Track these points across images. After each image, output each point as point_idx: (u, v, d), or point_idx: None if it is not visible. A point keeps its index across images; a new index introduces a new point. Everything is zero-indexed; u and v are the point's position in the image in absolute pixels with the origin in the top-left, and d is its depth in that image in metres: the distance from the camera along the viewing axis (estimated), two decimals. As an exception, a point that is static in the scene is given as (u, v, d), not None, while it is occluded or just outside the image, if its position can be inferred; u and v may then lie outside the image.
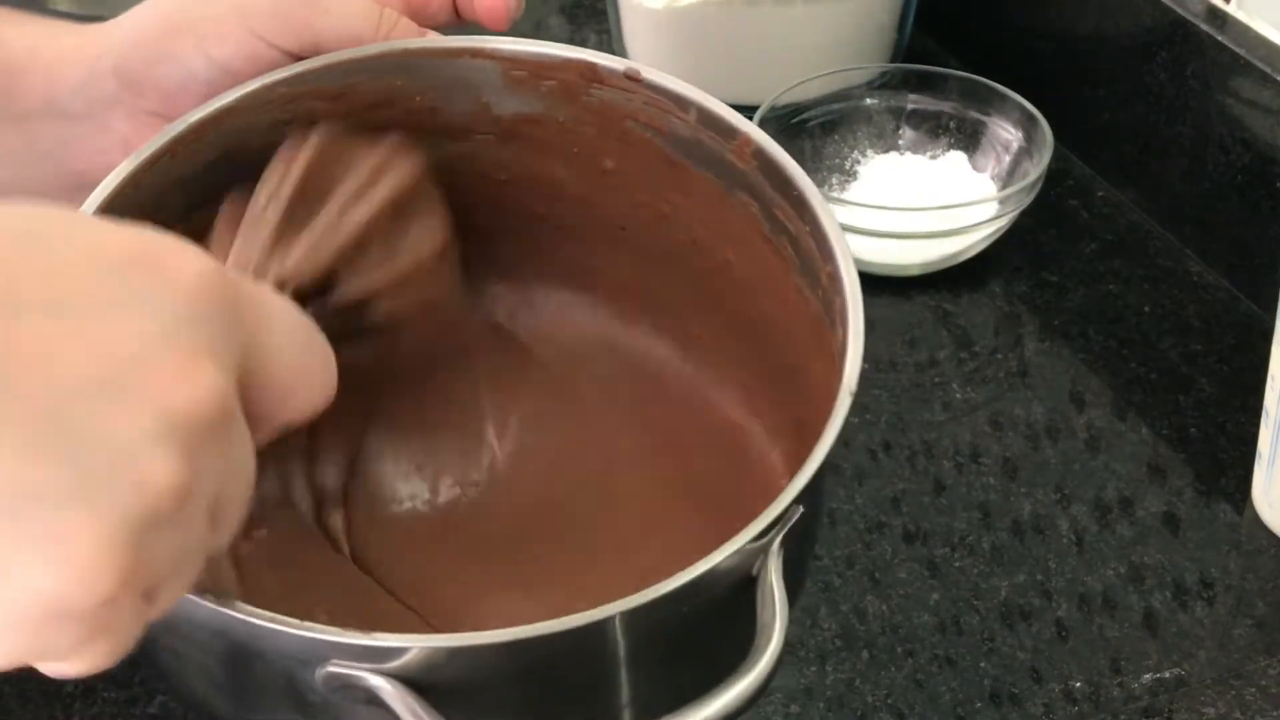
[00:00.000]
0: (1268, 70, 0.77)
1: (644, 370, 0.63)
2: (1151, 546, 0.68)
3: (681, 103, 0.56)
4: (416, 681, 0.43)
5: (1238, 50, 0.78)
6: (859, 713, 0.62)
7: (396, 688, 0.43)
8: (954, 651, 0.64)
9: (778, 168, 0.55)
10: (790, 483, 0.46)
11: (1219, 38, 0.79)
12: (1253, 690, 0.62)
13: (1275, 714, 0.61)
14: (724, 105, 0.55)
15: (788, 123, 0.86)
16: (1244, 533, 0.69)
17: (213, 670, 0.47)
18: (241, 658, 0.46)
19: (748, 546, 0.45)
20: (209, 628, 0.45)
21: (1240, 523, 0.69)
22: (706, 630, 0.47)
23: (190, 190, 0.54)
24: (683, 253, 0.60)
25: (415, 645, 0.43)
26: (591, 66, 0.56)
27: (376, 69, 0.56)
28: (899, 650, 0.64)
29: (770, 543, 0.46)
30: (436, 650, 0.43)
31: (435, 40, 0.58)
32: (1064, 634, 0.64)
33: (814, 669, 0.63)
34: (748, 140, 0.55)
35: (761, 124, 0.84)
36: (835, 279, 0.51)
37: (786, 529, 0.46)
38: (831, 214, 0.53)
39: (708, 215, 0.58)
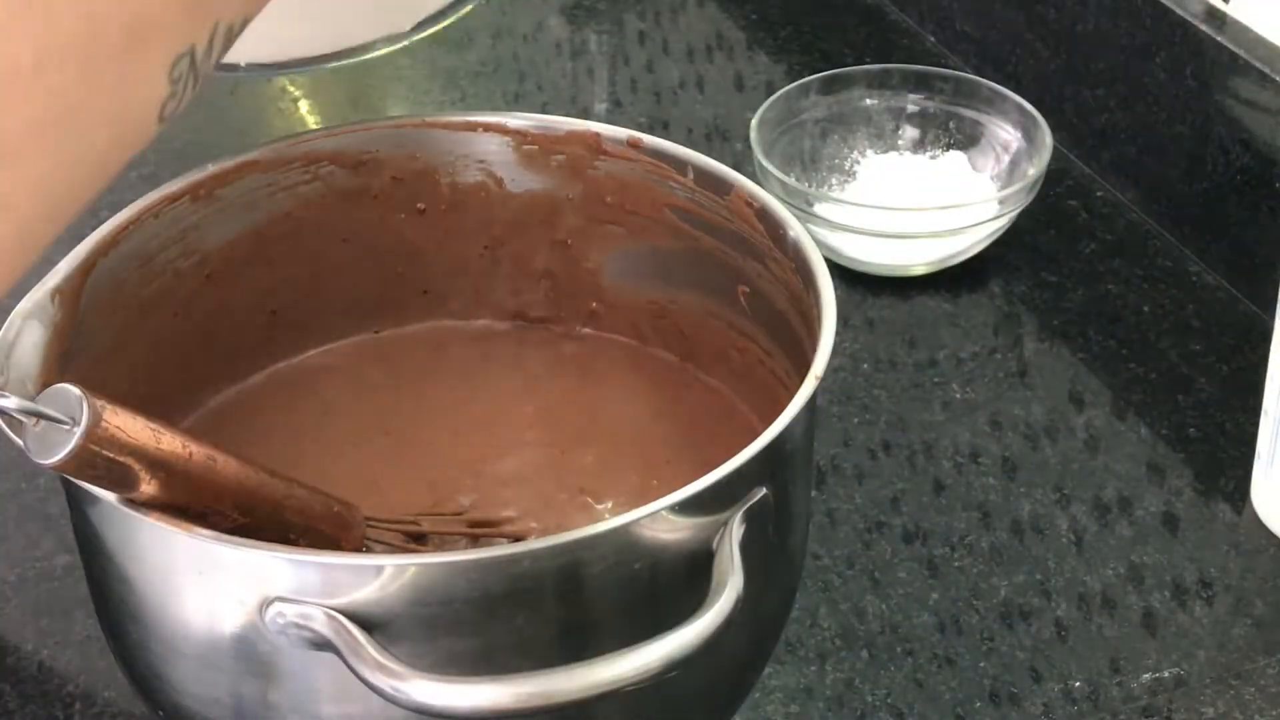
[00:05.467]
0: (1267, 70, 0.77)
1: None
2: (1151, 546, 0.68)
3: (680, 165, 0.60)
4: (365, 617, 0.44)
5: (1237, 50, 0.78)
6: (859, 712, 0.62)
7: (343, 622, 0.44)
8: (953, 651, 0.64)
9: (768, 213, 0.58)
10: (736, 454, 0.48)
11: (1218, 38, 0.79)
12: (1252, 690, 0.62)
13: (1274, 713, 0.61)
14: (718, 164, 0.59)
15: (787, 123, 0.86)
16: (1243, 532, 0.69)
17: (168, 632, 0.49)
18: (192, 599, 0.47)
19: (699, 519, 0.47)
20: (163, 560, 0.47)
21: (1239, 522, 0.69)
22: (664, 597, 0.48)
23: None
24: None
25: (370, 564, 0.45)
26: (596, 137, 0.60)
27: (396, 140, 0.61)
28: (899, 650, 0.64)
29: (728, 519, 0.48)
30: (397, 570, 0.45)
31: (450, 112, 0.62)
32: (1063, 634, 0.64)
33: (813, 668, 0.63)
34: (741, 193, 0.58)
35: (760, 124, 0.84)
36: (818, 306, 0.53)
37: (746, 507, 0.48)
38: (815, 249, 0.55)
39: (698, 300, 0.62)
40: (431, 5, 0.65)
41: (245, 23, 0.49)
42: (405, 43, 0.65)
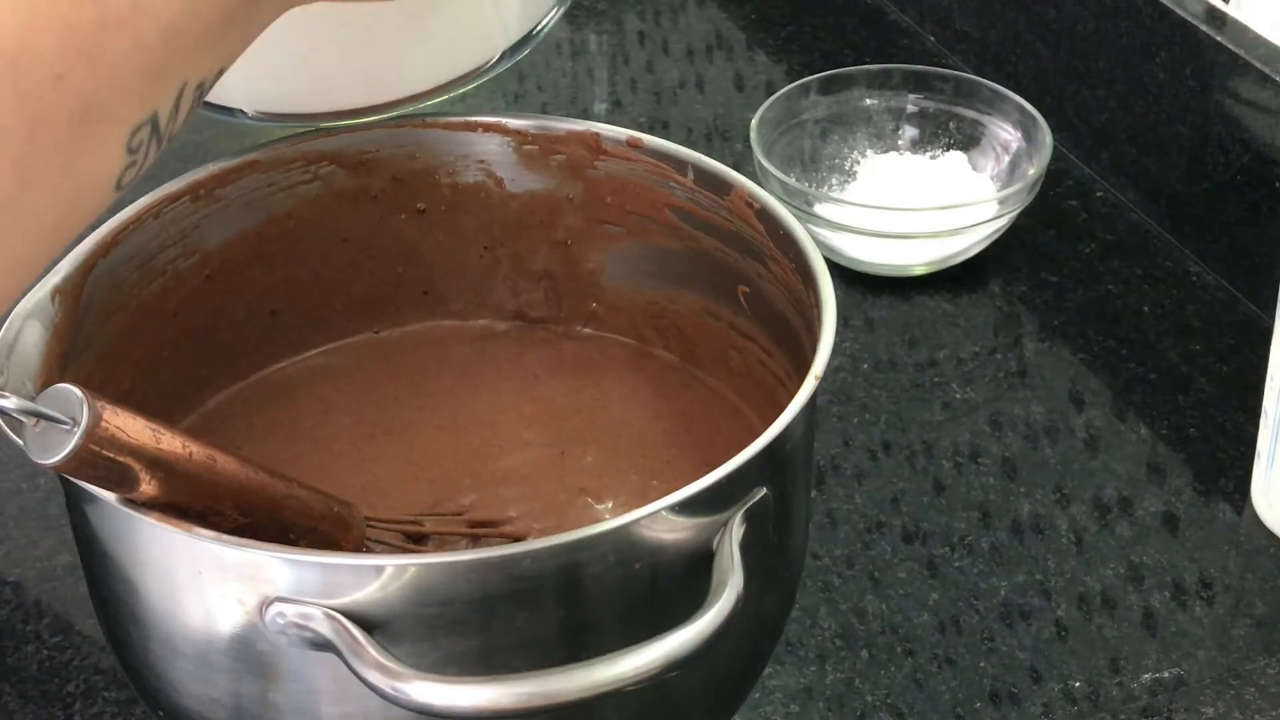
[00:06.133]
0: (1267, 70, 0.77)
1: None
2: (1151, 546, 0.68)
3: (680, 165, 0.59)
4: (365, 617, 0.45)
5: (1237, 50, 0.78)
6: (858, 712, 0.62)
7: (344, 622, 0.44)
8: (953, 651, 0.64)
9: (768, 213, 0.58)
10: (736, 454, 0.48)
11: (1218, 38, 0.79)
12: (1252, 690, 0.62)
13: (1274, 713, 0.61)
14: (718, 164, 0.59)
15: (787, 123, 0.86)
16: (1243, 532, 0.69)
17: (167, 631, 0.49)
18: (192, 599, 0.47)
19: (699, 519, 0.47)
20: (163, 560, 0.47)
21: (1239, 522, 0.69)
22: (664, 597, 0.48)
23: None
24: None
25: (370, 564, 0.45)
26: (596, 137, 0.60)
27: (396, 140, 0.61)
28: (899, 650, 0.64)
29: (728, 519, 0.48)
30: (397, 570, 0.45)
31: (450, 112, 0.61)
32: (1063, 634, 0.64)
33: (814, 669, 0.63)
34: (742, 193, 0.58)
35: (760, 124, 0.84)
36: (818, 306, 0.53)
37: (746, 507, 0.48)
38: (815, 249, 0.56)
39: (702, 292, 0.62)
40: (470, 61, 0.61)
41: (220, 73, 0.46)
42: (445, 97, 0.61)
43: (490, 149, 0.62)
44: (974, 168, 0.86)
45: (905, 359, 0.78)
